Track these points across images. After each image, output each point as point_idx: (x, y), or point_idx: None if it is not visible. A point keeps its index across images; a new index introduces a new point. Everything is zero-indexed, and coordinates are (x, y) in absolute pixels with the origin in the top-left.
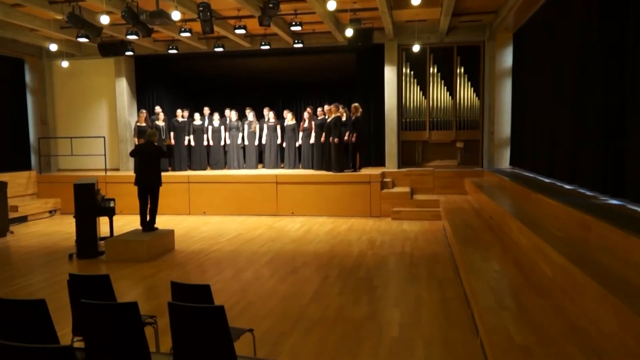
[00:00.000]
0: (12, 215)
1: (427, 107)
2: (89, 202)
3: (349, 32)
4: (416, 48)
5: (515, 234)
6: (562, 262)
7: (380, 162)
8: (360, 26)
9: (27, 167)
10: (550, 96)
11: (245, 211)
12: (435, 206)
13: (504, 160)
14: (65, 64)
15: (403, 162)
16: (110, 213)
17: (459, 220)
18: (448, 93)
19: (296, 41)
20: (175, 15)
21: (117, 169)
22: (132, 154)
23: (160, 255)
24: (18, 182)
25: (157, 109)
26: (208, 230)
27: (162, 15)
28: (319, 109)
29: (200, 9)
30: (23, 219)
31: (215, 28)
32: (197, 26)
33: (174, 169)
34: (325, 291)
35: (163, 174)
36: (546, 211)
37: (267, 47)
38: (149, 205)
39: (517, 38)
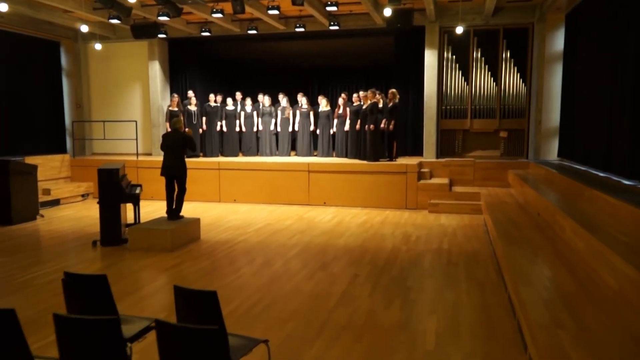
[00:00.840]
0: (44, 198)
1: (469, 94)
2: (114, 188)
3: (387, 12)
4: (459, 30)
5: (569, 235)
6: (630, 272)
7: (418, 152)
8: (399, 5)
9: (62, 150)
10: (608, 82)
11: (276, 200)
12: (475, 199)
13: (552, 151)
14: (98, 46)
15: (442, 151)
16: (135, 200)
17: (502, 216)
18: (492, 79)
19: (332, 23)
20: None
21: (150, 154)
22: (162, 147)
23: (185, 245)
24: (52, 165)
25: (190, 93)
26: (236, 219)
27: None
28: (355, 95)
29: None
30: (55, 202)
31: (248, 9)
32: (229, 7)
33: (205, 155)
34: (354, 292)
35: (194, 160)
36: (605, 210)
37: (302, 29)
38: (175, 193)
39: (570, 19)
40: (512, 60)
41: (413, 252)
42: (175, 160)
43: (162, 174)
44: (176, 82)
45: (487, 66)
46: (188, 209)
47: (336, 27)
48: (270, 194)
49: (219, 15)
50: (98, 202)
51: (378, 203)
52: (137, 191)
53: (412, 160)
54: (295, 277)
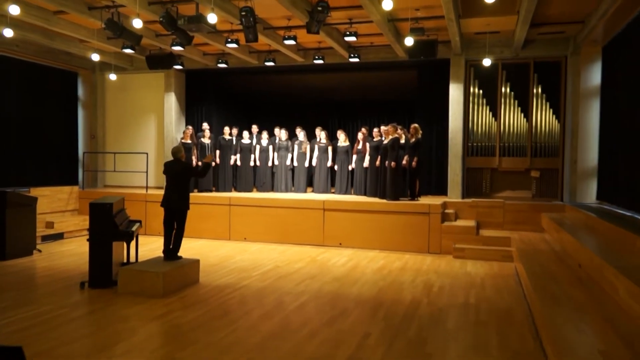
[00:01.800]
0: (47, 232)
1: (498, 131)
2: (106, 225)
3: (410, 41)
4: (487, 62)
5: (623, 297)
6: None
7: (442, 191)
8: (422, 36)
9: (74, 182)
10: None
11: (289, 239)
12: (505, 245)
13: (589, 193)
14: (113, 76)
15: (468, 191)
16: (128, 238)
17: (538, 267)
18: (522, 115)
19: (352, 55)
20: (212, 18)
21: (162, 187)
22: (164, 172)
23: (180, 290)
24: (59, 197)
25: (204, 125)
26: (243, 260)
27: (199, 20)
28: (375, 130)
29: (243, 14)
30: (59, 236)
31: (264, 39)
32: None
33: (217, 190)
34: (363, 357)
35: (205, 194)
36: None
37: (321, 61)
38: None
39: (607, 52)
40: (544, 95)
41: (435, 307)
42: (174, 193)
43: (161, 205)
44: (192, 114)
45: (516, 101)
46: (195, 247)
47: (356, 60)
48: (283, 233)
49: (234, 45)
50: (88, 240)
51: (398, 246)
52: (134, 228)
53: (436, 200)
54: (296, 335)
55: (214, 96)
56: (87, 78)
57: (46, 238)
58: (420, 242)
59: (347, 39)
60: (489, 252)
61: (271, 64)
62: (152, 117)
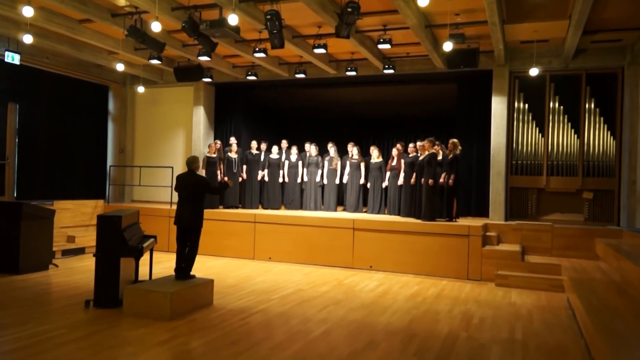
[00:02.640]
0: (68, 246)
1: (545, 148)
2: (113, 239)
3: (449, 46)
4: (534, 72)
5: None
6: None
7: (482, 212)
8: (462, 44)
9: (101, 196)
10: None
11: (315, 260)
12: (554, 273)
13: None
14: (141, 89)
15: (512, 213)
16: (137, 254)
17: (596, 299)
18: (573, 131)
19: (386, 67)
20: (233, 20)
21: None
22: (175, 188)
23: (191, 312)
24: (82, 210)
25: (232, 139)
26: (264, 281)
27: (222, 24)
28: (410, 145)
29: (268, 17)
30: (80, 251)
31: (294, 48)
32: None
33: (244, 207)
34: None
35: (230, 211)
36: None
37: (354, 73)
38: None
39: None
40: (598, 109)
41: (475, 342)
42: (186, 208)
43: (175, 223)
44: (221, 129)
45: (566, 116)
46: (215, 266)
47: (391, 71)
48: (310, 253)
49: (262, 55)
50: (94, 255)
51: (434, 270)
52: (146, 244)
53: (476, 222)
54: None
55: (244, 110)
56: (118, 92)
57: (67, 252)
58: (458, 267)
59: (380, 47)
60: (536, 281)
61: (302, 76)
62: (181, 131)
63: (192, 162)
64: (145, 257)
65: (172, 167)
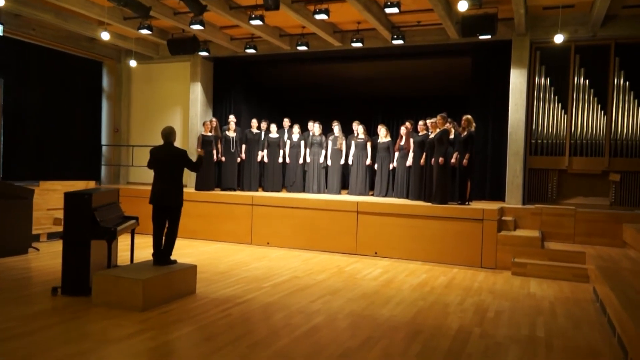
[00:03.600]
0: (54, 229)
1: (568, 125)
2: (82, 220)
3: (463, 5)
4: (559, 39)
5: None
6: None
7: (498, 195)
8: (478, 6)
9: (96, 177)
10: None
11: (317, 246)
12: (578, 261)
13: None
14: (133, 63)
15: (530, 196)
16: (109, 236)
17: (633, 292)
18: (599, 107)
19: (395, 37)
20: None
21: (185, 185)
22: (149, 164)
23: (167, 302)
24: None
25: (231, 117)
26: (258, 267)
27: None
28: (420, 123)
29: None
30: None
31: (293, 15)
32: (270, 19)
33: (242, 189)
34: None
35: (226, 193)
36: None
37: (360, 44)
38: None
39: None
40: (627, 83)
41: (491, 340)
42: (166, 186)
43: (150, 202)
44: (220, 106)
45: (592, 90)
46: (208, 251)
47: (400, 42)
48: (310, 238)
49: (259, 22)
50: (61, 237)
51: (444, 258)
52: (122, 226)
53: (491, 205)
54: None
55: (244, 87)
56: (112, 68)
57: (53, 236)
58: (471, 254)
59: (388, 11)
60: (558, 270)
61: (304, 48)
62: (179, 110)
63: (169, 133)
64: (127, 240)
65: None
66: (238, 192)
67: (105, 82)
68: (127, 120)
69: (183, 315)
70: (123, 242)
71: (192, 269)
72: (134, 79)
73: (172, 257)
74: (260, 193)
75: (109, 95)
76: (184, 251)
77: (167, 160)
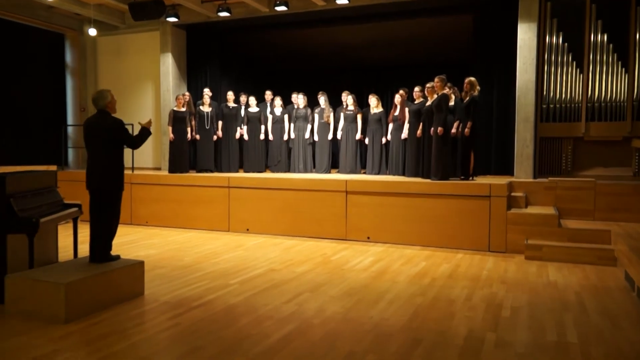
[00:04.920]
0: None
1: (584, 87)
2: None
3: None
4: None
5: None
6: None
7: (506, 168)
8: None
9: (61, 161)
10: None
11: (302, 231)
12: (602, 241)
13: None
14: (92, 32)
15: (541, 169)
16: (29, 229)
17: None
18: (620, 64)
19: None
20: None
21: (159, 168)
22: (84, 139)
23: (102, 309)
24: None
25: (205, 90)
26: (230, 259)
27: None
28: (416, 89)
29: None
30: None
31: None
32: None
33: (220, 170)
34: None
35: (201, 175)
36: None
37: (346, 1)
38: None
39: None
40: None
41: (510, 352)
42: (96, 164)
43: (87, 187)
44: (195, 80)
45: (611, 46)
46: (177, 241)
47: None
48: (294, 223)
49: None
50: None
51: (446, 241)
52: (52, 216)
53: (498, 180)
54: None
55: (221, 58)
56: (75, 40)
57: None
58: (477, 236)
59: None
60: (579, 252)
61: (283, 8)
62: (150, 85)
63: (99, 98)
64: (68, 232)
65: (132, 125)
66: (214, 174)
67: (69, 57)
68: None
69: (116, 328)
70: (67, 235)
71: (137, 266)
72: (100, 52)
73: (118, 252)
74: (238, 174)
75: (73, 70)
76: (148, 241)
77: (97, 133)
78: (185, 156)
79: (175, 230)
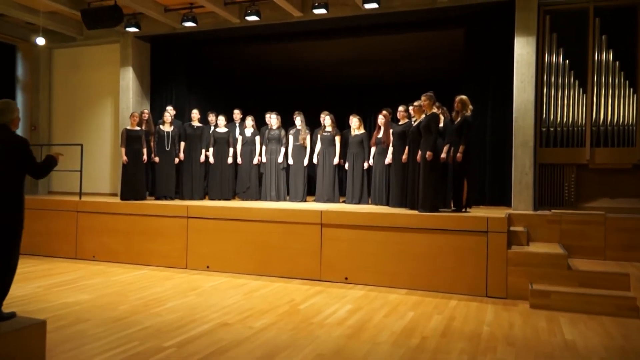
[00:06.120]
0: None
1: (589, 108)
2: None
3: None
4: None
5: None
6: None
7: (501, 198)
8: None
9: None
10: None
11: (270, 270)
12: (620, 286)
13: None
14: (40, 41)
15: (541, 199)
16: None
17: None
18: (627, 83)
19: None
20: None
21: (116, 194)
22: None
23: None
24: None
25: (168, 108)
26: (176, 307)
27: None
28: (400, 109)
29: None
30: None
31: None
32: None
33: (182, 197)
34: None
35: (159, 203)
36: None
37: (323, 10)
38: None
39: None
40: None
41: None
42: None
43: None
44: (160, 97)
45: (617, 63)
46: (120, 282)
47: (374, 5)
48: (262, 260)
49: None
50: None
51: (436, 284)
52: None
53: (496, 212)
54: None
55: (189, 74)
56: (28, 53)
57: None
58: (473, 278)
59: None
60: (594, 301)
61: (254, 18)
62: (109, 102)
63: (4, 110)
64: None
65: (81, 145)
66: (172, 202)
67: (20, 70)
68: (48, 115)
69: None
70: None
71: (37, 327)
72: (55, 66)
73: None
74: (198, 202)
75: (25, 85)
76: (87, 282)
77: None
78: (139, 181)
79: (125, 267)
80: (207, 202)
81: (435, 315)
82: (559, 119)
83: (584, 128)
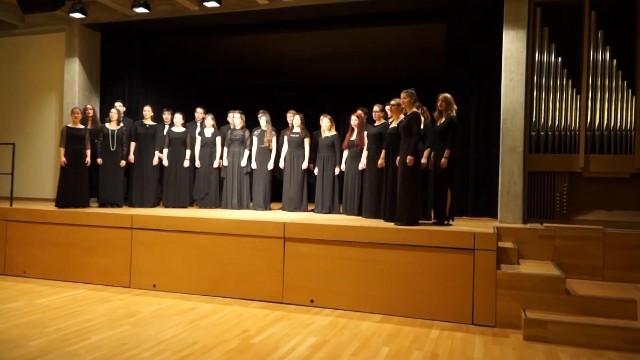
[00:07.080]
0: None
1: (583, 111)
2: None
3: None
4: None
5: None
6: None
7: (486, 208)
8: None
9: None
10: None
11: (224, 290)
12: (625, 314)
13: None
14: None
15: (530, 210)
16: None
17: None
18: (625, 84)
19: None
20: None
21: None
22: None
23: None
24: None
25: (117, 104)
26: (103, 342)
27: None
28: (376, 108)
29: None
30: None
31: None
32: None
33: (131, 204)
34: None
35: (100, 211)
36: None
37: None
38: None
39: None
40: None
41: None
42: None
43: None
44: (111, 92)
45: (614, 62)
46: (46, 305)
47: None
48: (215, 279)
49: None
50: None
51: (415, 309)
52: None
53: (482, 226)
54: None
55: (145, 67)
56: None
57: None
58: (457, 303)
59: None
60: (597, 333)
61: (214, 4)
62: (54, 97)
63: None
64: None
65: (13, 144)
66: (115, 210)
67: None
68: None
69: None
70: None
71: None
72: None
73: None
74: (145, 211)
75: None
76: (5, 306)
77: None
78: (80, 185)
79: (58, 286)
80: (154, 211)
81: (414, 351)
82: (550, 122)
83: (577, 133)
